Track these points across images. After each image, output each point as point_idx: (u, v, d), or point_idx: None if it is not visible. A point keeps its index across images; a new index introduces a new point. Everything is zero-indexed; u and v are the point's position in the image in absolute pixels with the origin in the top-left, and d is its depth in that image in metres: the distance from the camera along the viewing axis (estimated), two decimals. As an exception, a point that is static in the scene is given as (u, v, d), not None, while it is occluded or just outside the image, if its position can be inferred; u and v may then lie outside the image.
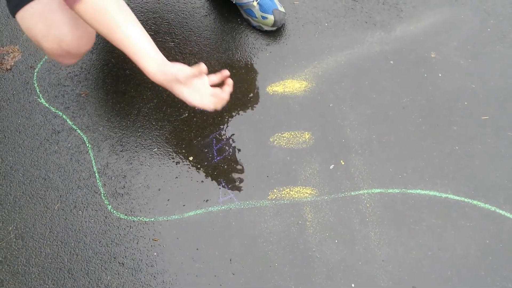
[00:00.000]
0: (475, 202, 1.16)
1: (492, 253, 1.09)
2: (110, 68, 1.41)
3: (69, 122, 1.34)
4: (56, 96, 1.38)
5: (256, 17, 1.40)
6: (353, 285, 1.08)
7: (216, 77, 1.06)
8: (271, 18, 1.37)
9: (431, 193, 1.17)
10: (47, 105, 1.37)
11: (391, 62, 1.35)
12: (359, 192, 1.19)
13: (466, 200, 1.16)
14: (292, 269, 1.11)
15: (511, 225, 1.12)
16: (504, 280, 1.06)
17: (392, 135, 1.25)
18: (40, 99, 1.38)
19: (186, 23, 1.46)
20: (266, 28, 1.41)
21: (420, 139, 1.24)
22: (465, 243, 1.11)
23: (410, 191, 1.18)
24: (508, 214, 1.14)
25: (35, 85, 1.41)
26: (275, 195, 1.20)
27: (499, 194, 1.16)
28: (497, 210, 1.14)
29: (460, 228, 1.13)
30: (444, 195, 1.17)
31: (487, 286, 1.06)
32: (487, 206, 1.15)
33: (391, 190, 1.18)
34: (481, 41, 1.37)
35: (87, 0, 0.90)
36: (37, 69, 1.43)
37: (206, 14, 1.47)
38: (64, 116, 1.35)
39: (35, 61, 1.45)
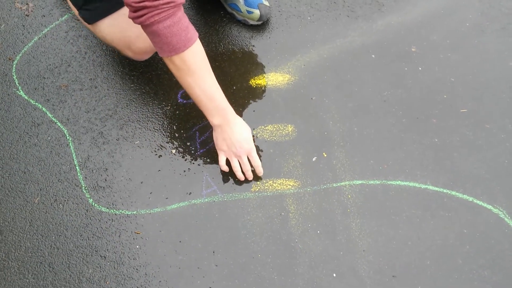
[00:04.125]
0: (453, 193, 1.18)
1: (469, 242, 1.12)
2: (91, 60, 1.39)
3: (49, 115, 1.32)
4: (35, 89, 1.36)
5: (241, 12, 1.40)
6: (334, 275, 1.10)
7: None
8: (256, 12, 1.37)
9: (411, 184, 1.19)
10: (26, 97, 1.35)
11: (373, 56, 1.37)
12: (341, 183, 1.20)
13: (445, 191, 1.19)
14: (275, 259, 1.12)
15: (488, 215, 1.15)
16: (480, 268, 1.09)
17: (373, 127, 1.27)
18: (19, 92, 1.36)
19: (169, 15, 1.45)
20: (251, 22, 1.41)
21: (400, 132, 1.26)
22: (443, 232, 1.14)
23: (391, 182, 1.20)
24: (485, 205, 1.16)
25: (14, 77, 1.38)
26: (258, 187, 1.20)
27: (476, 185, 1.19)
28: (475, 201, 1.17)
29: (438, 218, 1.15)
30: (423, 186, 1.19)
31: (465, 274, 1.09)
32: (465, 196, 1.18)
33: (372, 182, 1.20)
34: (460, 36, 1.40)
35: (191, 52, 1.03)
36: (15, 61, 1.41)
37: (189, 6, 1.47)
38: (43, 109, 1.33)
39: (14, 53, 1.42)
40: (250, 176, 1.19)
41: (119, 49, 1.26)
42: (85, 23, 1.26)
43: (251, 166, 1.19)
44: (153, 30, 0.98)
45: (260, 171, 1.19)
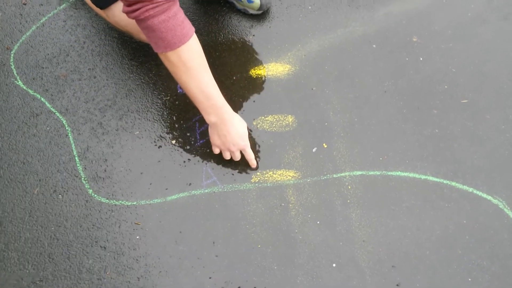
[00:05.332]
0: (453, 183, 1.18)
1: (469, 233, 1.12)
2: (90, 50, 1.38)
3: (48, 105, 1.31)
4: (34, 78, 1.35)
5: (241, 1, 1.38)
6: (334, 265, 1.10)
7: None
8: (257, 1, 1.36)
9: (411, 175, 1.19)
10: (24, 87, 1.34)
11: (374, 45, 1.36)
12: (341, 174, 1.20)
13: (445, 181, 1.18)
14: (275, 250, 1.12)
15: (488, 206, 1.15)
16: (480, 258, 1.10)
17: (374, 118, 1.26)
18: (18, 82, 1.35)
19: (168, 4, 1.43)
20: (251, 11, 1.40)
21: (401, 122, 1.26)
22: (443, 223, 1.14)
23: (391, 173, 1.20)
24: (485, 195, 1.17)
25: (12, 67, 1.37)
26: (258, 178, 1.20)
27: (477, 176, 1.18)
28: (475, 191, 1.17)
29: (438, 209, 1.15)
30: (423, 177, 1.19)
31: (464, 264, 1.09)
32: (465, 187, 1.18)
33: (372, 172, 1.20)
34: (461, 26, 1.38)
35: (188, 47, 1.00)
36: (14, 51, 1.39)
37: (188, -5, 1.45)
38: (42, 99, 1.32)
39: (12, 42, 1.40)
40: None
41: (132, 32, 1.25)
42: (97, 9, 1.25)
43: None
44: (147, 25, 0.96)
45: (253, 163, 1.19)
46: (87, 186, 1.21)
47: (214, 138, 1.16)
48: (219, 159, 1.22)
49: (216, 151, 1.19)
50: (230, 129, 1.12)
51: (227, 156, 1.18)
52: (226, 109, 1.12)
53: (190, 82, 1.05)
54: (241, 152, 1.18)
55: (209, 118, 1.11)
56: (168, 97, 1.30)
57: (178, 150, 1.24)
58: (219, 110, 1.10)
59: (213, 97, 1.08)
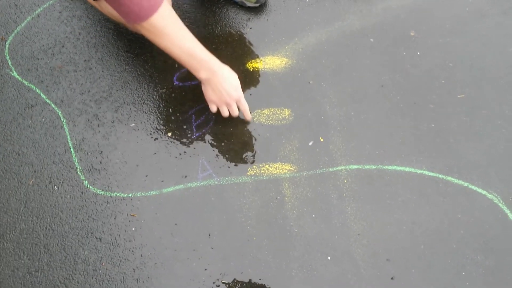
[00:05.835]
0: (449, 178, 1.18)
1: (463, 227, 1.13)
2: (85, 41, 1.37)
3: (43, 96, 1.30)
4: (29, 70, 1.34)
5: (238, -7, 1.38)
6: (329, 258, 1.10)
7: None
8: (254, -6, 1.35)
9: (407, 169, 1.19)
10: (19, 78, 1.33)
11: (371, 40, 1.36)
12: (337, 168, 1.20)
13: (440, 176, 1.19)
14: (271, 243, 1.12)
15: (483, 200, 1.16)
16: (474, 252, 1.10)
17: (370, 112, 1.26)
18: (13, 73, 1.34)
19: (165, -4, 1.42)
20: (249, 4, 1.39)
21: (398, 117, 1.25)
22: (438, 217, 1.14)
23: (386, 167, 1.20)
24: (480, 190, 1.17)
25: (7, 57, 1.36)
26: (255, 171, 1.20)
27: (472, 171, 1.19)
28: (470, 186, 1.17)
29: (434, 203, 1.15)
30: (419, 171, 1.19)
31: (459, 258, 1.10)
32: (461, 182, 1.18)
33: (368, 166, 1.20)
34: (460, 20, 1.38)
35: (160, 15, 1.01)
36: (8, 41, 1.38)
37: (186, -13, 1.44)
38: (37, 90, 1.31)
39: (7, 33, 1.39)
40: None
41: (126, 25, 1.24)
42: (91, 0, 1.24)
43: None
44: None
45: (248, 115, 1.21)
46: (82, 177, 1.20)
47: (209, 93, 1.17)
48: (215, 152, 1.22)
49: (214, 108, 1.21)
50: (221, 80, 1.13)
51: (225, 112, 1.19)
52: (214, 62, 1.12)
53: (171, 46, 1.07)
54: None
55: (199, 74, 1.13)
56: (164, 90, 1.30)
57: (174, 143, 1.23)
58: (207, 64, 1.11)
59: (197, 54, 1.10)
